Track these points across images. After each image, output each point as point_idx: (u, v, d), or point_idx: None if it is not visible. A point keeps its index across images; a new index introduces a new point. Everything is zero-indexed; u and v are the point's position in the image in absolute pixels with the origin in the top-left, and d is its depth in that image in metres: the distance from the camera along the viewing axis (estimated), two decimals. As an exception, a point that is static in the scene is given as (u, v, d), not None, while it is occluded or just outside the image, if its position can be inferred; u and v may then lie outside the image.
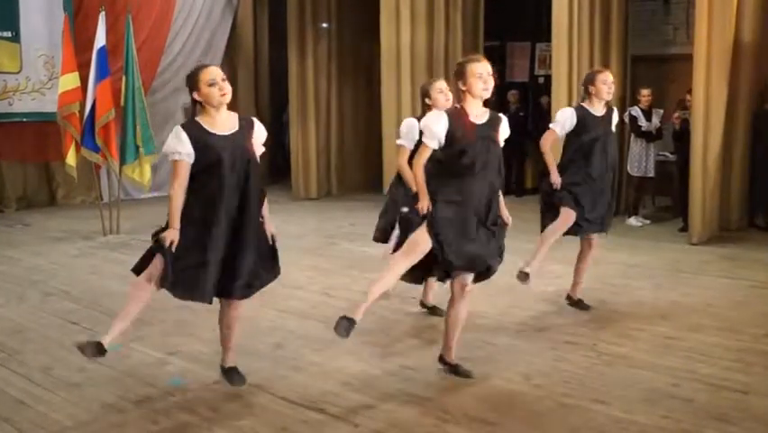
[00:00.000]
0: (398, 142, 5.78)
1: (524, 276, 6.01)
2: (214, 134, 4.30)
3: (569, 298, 6.30)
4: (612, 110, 6.14)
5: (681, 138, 9.54)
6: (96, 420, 4.22)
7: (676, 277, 7.37)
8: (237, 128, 4.39)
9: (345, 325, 4.40)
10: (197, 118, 4.37)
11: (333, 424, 4.15)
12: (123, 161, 9.59)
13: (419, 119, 5.47)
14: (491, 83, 4.51)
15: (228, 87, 4.38)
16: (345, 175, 13.99)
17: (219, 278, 4.29)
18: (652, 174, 10.35)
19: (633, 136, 10.30)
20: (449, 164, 4.52)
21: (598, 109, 6.03)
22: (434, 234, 4.46)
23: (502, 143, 4.67)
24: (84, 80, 9.63)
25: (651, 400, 4.39)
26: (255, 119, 4.59)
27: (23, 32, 11.85)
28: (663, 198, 11.32)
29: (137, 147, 9.55)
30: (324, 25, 13.46)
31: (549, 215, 6.11)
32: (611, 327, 5.79)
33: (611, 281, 7.13)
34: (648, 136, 10.17)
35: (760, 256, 8.15)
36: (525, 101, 13.74)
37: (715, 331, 5.65)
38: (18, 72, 11.93)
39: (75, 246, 9.22)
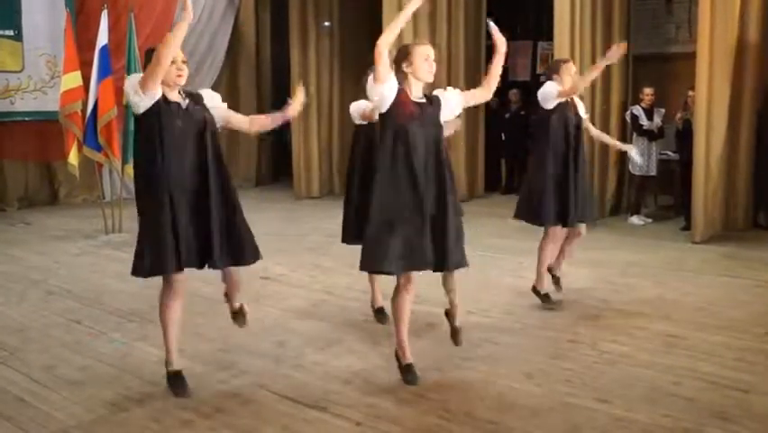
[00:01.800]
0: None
1: (546, 298, 6.25)
2: (172, 102, 4.37)
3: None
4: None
5: (684, 137, 9.53)
6: (97, 419, 4.23)
7: (678, 276, 7.37)
8: (188, 102, 4.44)
9: None
10: None
11: (335, 423, 4.16)
12: (125, 160, 9.59)
13: None
14: (434, 68, 4.51)
15: (186, 71, 4.42)
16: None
17: (198, 248, 4.38)
18: (654, 173, 10.35)
19: (635, 135, 10.30)
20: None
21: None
22: None
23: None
24: (86, 79, 9.63)
25: (652, 399, 4.39)
26: (206, 91, 4.66)
27: (25, 30, 11.86)
28: (665, 196, 11.31)
29: (139, 146, 9.55)
30: (326, 24, 13.46)
31: (526, 204, 6.22)
32: (613, 325, 5.79)
33: (613, 280, 7.13)
34: (650, 135, 10.17)
35: (762, 255, 8.15)
36: (527, 100, 13.73)
37: (716, 330, 5.65)
38: (20, 71, 11.94)
39: (77, 245, 9.23)
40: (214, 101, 4.57)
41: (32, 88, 12.06)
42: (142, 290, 6.90)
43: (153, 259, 4.33)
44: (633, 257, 8.11)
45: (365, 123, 5.68)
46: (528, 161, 6.48)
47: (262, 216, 11.10)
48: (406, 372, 4.67)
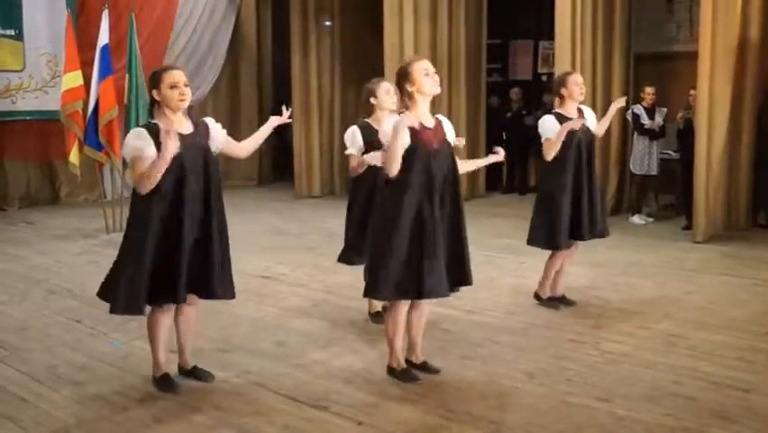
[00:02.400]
0: (347, 152, 5.65)
1: (551, 302, 6.23)
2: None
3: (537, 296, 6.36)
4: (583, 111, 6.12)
5: (685, 136, 9.53)
6: (99, 418, 4.23)
7: (679, 275, 7.36)
8: (193, 129, 4.43)
9: None
10: (155, 121, 4.38)
11: (336, 422, 4.15)
12: (125, 160, 9.59)
13: (361, 123, 5.62)
14: (438, 79, 4.49)
15: (188, 93, 4.39)
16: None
17: (190, 277, 4.36)
18: (655, 172, 10.33)
19: (636, 134, 10.29)
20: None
21: (572, 112, 6.00)
22: None
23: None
24: (87, 79, 9.64)
25: (654, 399, 4.39)
26: (210, 120, 4.60)
27: (26, 30, 11.88)
28: (667, 196, 11.30)
29: (140, 146, 9.55)
30: (327, 23, 13.46)
31: (540, 223, 6.08)
32: (614, 325, 5.79)
33: (614, 279, 7.13)
34: (651, 134, 10.16)
35: (763, 254, 8.14)
36: (528, 99, 13.73)
37: (718, 329, 5.65)
38: (21, 70, 11.95)
39: (77, 244, 9.23)
40: (216, 130, 4.57)
41: (33, 88, 12.07)
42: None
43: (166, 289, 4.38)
44: (634, 257, 8.11)
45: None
46: (540, 181, 6.37)
47: (263, 215, 11.12)
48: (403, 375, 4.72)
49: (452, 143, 4.61)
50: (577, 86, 5.99)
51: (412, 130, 4.37)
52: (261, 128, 4.88)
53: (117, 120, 9.53)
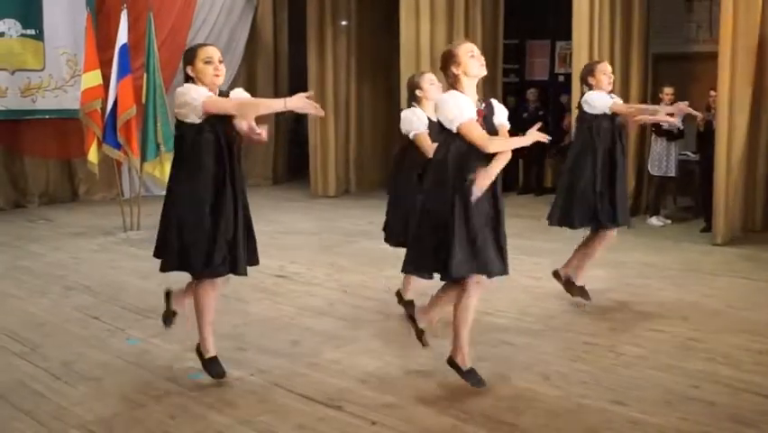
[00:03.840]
0: (414, 132, 5.53)
1: (581, 291, 6.23)
2: None
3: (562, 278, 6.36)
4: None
5: (705, 138, 9.48)
6: (115, 415, 4.25)
7: (697, 278, 7.33)
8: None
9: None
10: None
11: (351, 422, 4.16)
12: (143, 158, 9.64)
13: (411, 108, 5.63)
14: (483, 60, 4.45)
15: (223, 70, 4.48)
16: (364, 173, 14.00)
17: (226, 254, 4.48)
18: (673, 174, 10.27)
19: (654, 135, 10.24)
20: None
21: None
22: None
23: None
24: (106, 78, 9.69)
25: (669, 402, 4.37)
26: (238, 90, 4.70)
27: (47, 29, 11.95)
28: (685, 198, 11.24)
29: (158, 145, 9.61)
30: (344, 23, 13.47)
31: (567, 207, 6.12)
32: (630, 327, 5.76)
33: (631, 282, 7.10)
34: (669, 135, 10.10)
35: (781, 257, 8.10)
36: (545, 100, 13.69)
37: (736, 333, 5.61)
38: (41, 70, 12.02)
39: (96, 242, 9.28)
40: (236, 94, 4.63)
41: (53, 87, 12.15)
42: (160, 287, 6.93)
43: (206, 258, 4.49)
44: (651, 258, 8.07)
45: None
46: (570, 163, 6.26)
47: (279, 215, 11.14)
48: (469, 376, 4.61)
49: (502, 125, 4.63)
50: (605, 75, 6.02)
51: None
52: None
53: (135, 119, 9.58)
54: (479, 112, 4.40)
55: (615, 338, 5.49)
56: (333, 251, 8.61)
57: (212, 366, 4.68)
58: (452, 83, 4.46)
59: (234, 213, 4.49)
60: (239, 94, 4.63)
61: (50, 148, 12.31)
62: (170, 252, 4.62)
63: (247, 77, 14.58)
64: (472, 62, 4.39)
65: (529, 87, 13.61)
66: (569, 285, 6.27)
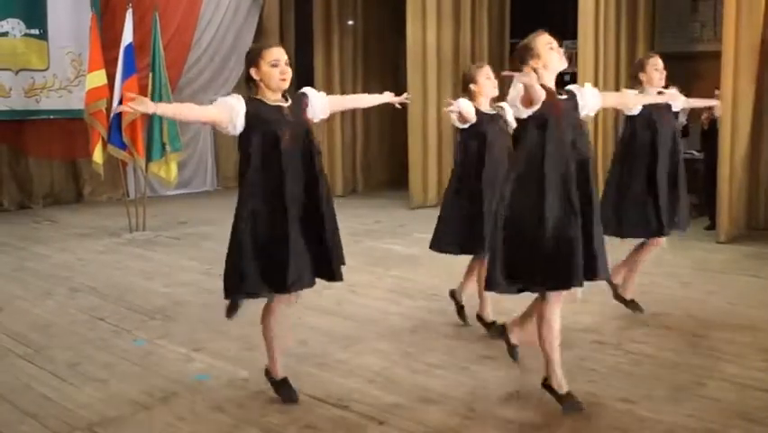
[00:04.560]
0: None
1: (633, 304, 5.96)
2: (269, 104, 4.12)
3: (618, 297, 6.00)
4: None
5: (710, 136, 9.46)
6: (121, 417, 4.25)
7: (702, 275, 7.31)
8: (291, 102, 4.22)
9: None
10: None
11: (359, 422, 4.15)
12: (149, 159, 9.65)
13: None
14: (563, 52, 4.16)
15: (290, 72, 4.15)
16: (371, 173, 14.00)
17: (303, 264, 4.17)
18: (678, 172, 10.23)
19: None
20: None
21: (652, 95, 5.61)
22: None
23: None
24: (111, 78, 9.70)
25: (676, 400, 4.36)
26: (310, 90, 4.41)
27: (51, 29, 11.96)
28: (690, 196, 11.19)
29: (163, 145, 9.63)
30: (350, 23, 13.47)
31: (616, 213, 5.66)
32: (637, 325, 5.75)
33: (637, 280, 7.06)
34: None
35: (786, 254, 8.09)
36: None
37: (742, 330, 5.60)
38: (45, 69, 12.03)
39: (101, 243, 9.29)
40: (315, 97, 4.39)
41: (57, 87, 12.16)
42: (166, 289, 6.96)
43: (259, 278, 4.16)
44: (657, 256, 8.02)
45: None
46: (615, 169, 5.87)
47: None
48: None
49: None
50: (657, 71, 5.65)
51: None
52: (376, 96, 5.07)
53: (140, 119, 9.57)
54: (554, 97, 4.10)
55: (621, 336, 5.48)
56: (339, 250, 8.59)
57: (284, 390, 4.43)
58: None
59: None
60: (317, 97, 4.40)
61: (54, 148, 12.32)
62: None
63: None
64: (552, 55, 4.10)
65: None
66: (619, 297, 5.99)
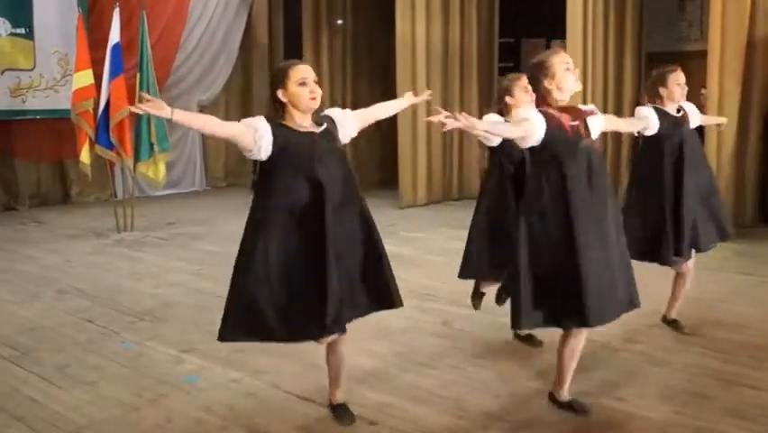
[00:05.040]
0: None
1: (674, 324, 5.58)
2: (300, 131, 3.79)
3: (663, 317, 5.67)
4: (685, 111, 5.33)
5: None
6: (110, 419, 4.22)
7: (693, 273, 7.31)
8: (324, 126, 3.89)
9: None
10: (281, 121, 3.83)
11: (349, 422, 4.15)
12: (137, 159, 9.61)
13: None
14: (577, 74, 4.15)
15: (319, 91, 3.84)
16: (361, 173, 13.79)
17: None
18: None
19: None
20: None
21: (672, 111, 5.24)
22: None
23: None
24: (98, 77, 9.65)
25: (666, 397, 4.37)
26: (336, 111, 4.07)
27: (37, 28, 11.88)
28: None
29: (151, 145, 9.59)
30: (339, 21, 13.46)
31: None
32: (627, 323, 5.69)
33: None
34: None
35: (774, 252, 8.12)
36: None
37: (730, 327, 5.62)
38: (32, 69, 11.96)
39: (89, 244, 9.24)
40: (342, 118, 4.05)
41: (44, 87, 12.08)
42: (155, 290, 6.93)
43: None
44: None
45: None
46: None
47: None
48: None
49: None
50: (679, 86, 5.20)
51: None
52: (398, 101, 4.68)
53: (128, 119, 9.53)
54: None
55: (612, 334, 5.47)
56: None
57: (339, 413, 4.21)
58: (540, 97, 4.07)
59: None
60: (345, 117, 4.08)
61: (41, 149, 12.23)
62: None
63: (242, 76, 14.56)
64: (568, 76, 4.05)
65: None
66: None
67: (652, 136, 5.18)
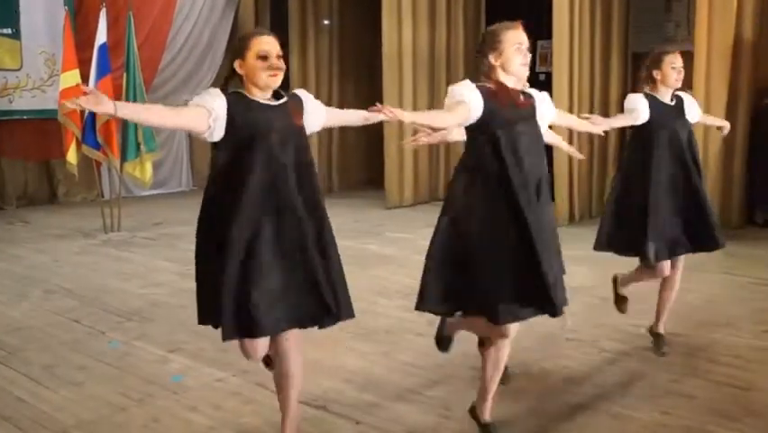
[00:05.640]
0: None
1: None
2: (258, 102, 3.43)
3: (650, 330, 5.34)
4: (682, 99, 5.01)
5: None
6: (97, 419, 4.23)
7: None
8: (284, 100, 3.50)
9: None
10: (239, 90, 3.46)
11: (335, 421, 4.16)
12: (124, 159, 9.59)
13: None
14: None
15: (282, 67, 3.42)
16: (347, 173, 13.99)
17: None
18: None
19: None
20: None
21: (666, 98, 4.93)
22: None
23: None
24: (85, 78, 9.63)
25: (651, 397, 4.39)
26: (305, 93, 3.67)
27: (24, 29, 11.84)
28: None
29: (138, 145, 9.57)
30: (326, 22, 13.46)
31: (613, 228, 5.04)
32: (612, 323, 5.79)
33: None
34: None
35: (759, 253, 8.15)
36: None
37: (715, 327, 5.66)
38: (18, 69, 11.92)
39: (76, 244, 9.23)
40: (311, 102, 3.65)
41: (31, 87, 12.05)
42: (142, 290, 6.93)
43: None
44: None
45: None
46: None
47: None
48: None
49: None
50: (674, 69, 4.81)
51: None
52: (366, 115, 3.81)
53: (115, 119, 9.51)
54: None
55: (597, 334, 5.52)
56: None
57: None
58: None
59: None
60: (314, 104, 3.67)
61: (28, 149, 12.18)
62: None
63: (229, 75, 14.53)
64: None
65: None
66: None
67: (642, 126, 4.90)
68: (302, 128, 3.51)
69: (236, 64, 3.42)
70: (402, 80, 11.61)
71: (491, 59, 3.71)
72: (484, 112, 3.62)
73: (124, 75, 9.63)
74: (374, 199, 11.78)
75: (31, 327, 5.92)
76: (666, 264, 5.02)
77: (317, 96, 3.75)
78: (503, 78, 3.72)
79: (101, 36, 9.59)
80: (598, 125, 4.54)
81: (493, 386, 3.94)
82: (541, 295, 3.64)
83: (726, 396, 4.41)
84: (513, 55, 3.70)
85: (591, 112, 9.69)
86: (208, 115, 3.31)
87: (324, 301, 3.48)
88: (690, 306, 6.23)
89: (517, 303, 3.66)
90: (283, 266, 3.40)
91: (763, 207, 9.75)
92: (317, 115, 3.62)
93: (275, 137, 3.36)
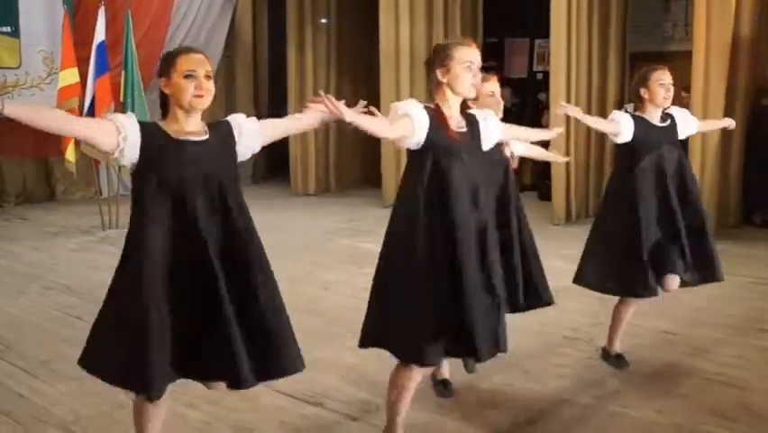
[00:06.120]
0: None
1: (619, 360, 4.92)
2: (179, 140, 3.08)
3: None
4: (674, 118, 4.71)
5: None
6: (96, 414, 4.24)
7: (674, 273, 7.37)
8: (209, 136, 3.16)
9: None
10: (158, 122, 3.18)
11: (332, 418, 4.17)
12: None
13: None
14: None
15: (210, 88, 3.11)
16: (344, 171, 13.98)
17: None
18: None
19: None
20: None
21: (655, 118, 4.61)
22: None
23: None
24: (83, 76, 9.64)
25: (648, 396, 4.41)
26: (234, 118, 3.33)
27: (23, 27, 11.82)
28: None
29: (137, 143, 9.57)
30: (324, 21, 13.46)
31: (599, 258, 4.79)
32: (609, 322, 5.79)
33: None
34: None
35: (758, 253, 8.17)
36: (524, 97, 13.74)
37: (712, 327, 5.67)
38: (17, 67, 11.91)
39: (74, 241, 9.24)
40: (243, 128, 3.30)
41: (29, 85, 12.04)
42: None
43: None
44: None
45: None
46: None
47: (259, 212, 11.11)
48: None
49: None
50: (662, 87, 4.50)
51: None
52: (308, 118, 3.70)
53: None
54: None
55: (593, 333, 5.53)
56: (314, 248, 8.60)
57: None
58: (432, 89, 3.64)
59: None
60: (247, 128, 3.33)
61: (26, 147, 12.14)
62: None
63: (226, 74, 14.53)
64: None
65: (509, 85, 13.63)
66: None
67: (625, 146, 4.56)
68: (233, 162, 3.24)
69: (162, 83, 3.14)
70: (399, 79, 11.61)
71: (439, 75, 3.56)
72: (429, 133, 3.49)
73: (123, 73, 9.62)
74: (371, 198, 11.79)
75: (29, 322, 5.93)
76: (673, 279, 4.73)
77: (315, 95, 3.62)
78: (450, 96, 3.57)
79: (99, 34, 9.60)
80: (573, 114, 4.39)
81: (402, 413, 3.77)
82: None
83: (724, 395, 4.43)
84: (462, 73, 3.51)
85: (588, 113, 9.70)
86: (117, 132, 3.03)
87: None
88: (689, 305, 6.24)
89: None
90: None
91: (760, 208, 9.78)
92: (252, 138, 3.30)
93: (189, 181, 3.07)
